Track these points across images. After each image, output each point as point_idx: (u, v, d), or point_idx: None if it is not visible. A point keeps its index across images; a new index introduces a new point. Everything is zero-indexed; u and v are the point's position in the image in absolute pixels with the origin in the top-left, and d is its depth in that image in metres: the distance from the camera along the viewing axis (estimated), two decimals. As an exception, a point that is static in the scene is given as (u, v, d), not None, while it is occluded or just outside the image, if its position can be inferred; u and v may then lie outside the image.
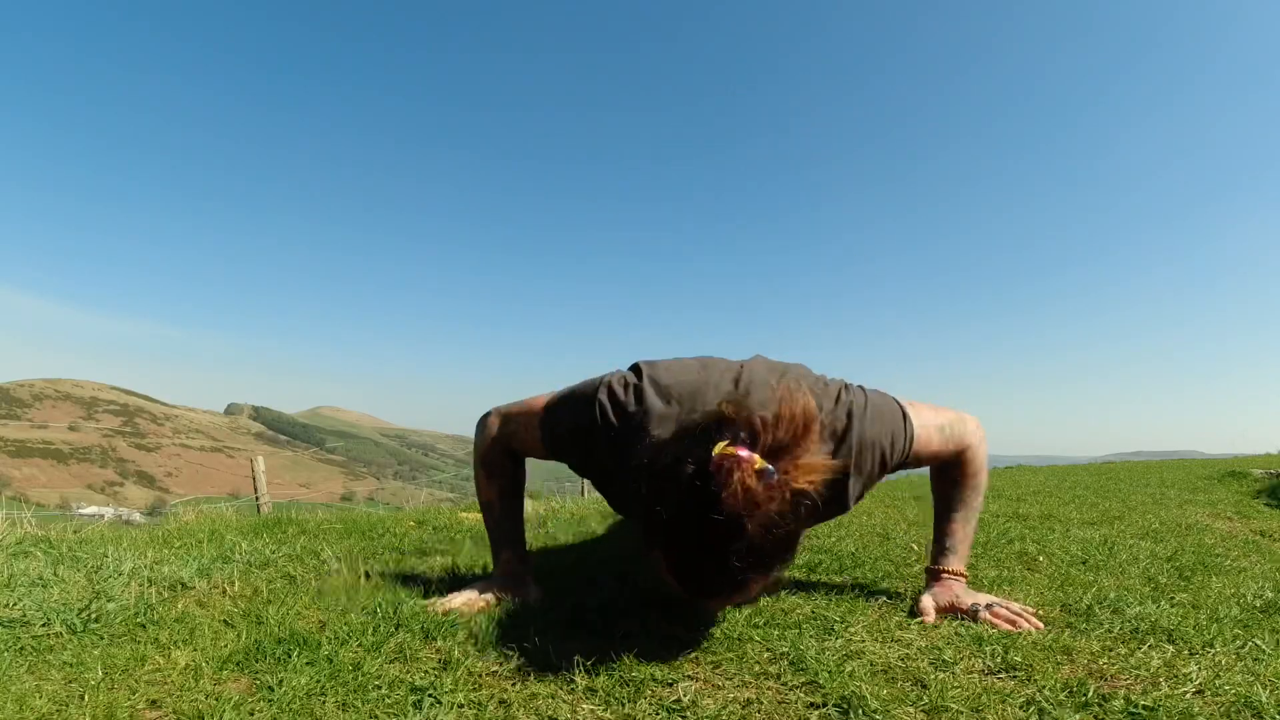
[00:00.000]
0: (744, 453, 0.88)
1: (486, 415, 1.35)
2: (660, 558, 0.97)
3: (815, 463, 0.94)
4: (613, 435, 1.13)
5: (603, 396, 1.15)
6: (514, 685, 0.86)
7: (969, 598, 1.19)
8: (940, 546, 1.29)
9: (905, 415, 1.20)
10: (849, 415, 1.14)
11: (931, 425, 1.23)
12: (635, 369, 1.19)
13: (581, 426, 1.17)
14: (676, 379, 1.14)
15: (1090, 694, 0.80)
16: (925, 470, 1.33)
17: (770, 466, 0.89)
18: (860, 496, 1.19)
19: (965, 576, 1.27)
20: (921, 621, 1.12)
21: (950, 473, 1.29)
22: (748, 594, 0.97)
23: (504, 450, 1.32)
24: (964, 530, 1.28)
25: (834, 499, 1.09)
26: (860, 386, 1.22)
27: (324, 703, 0.81)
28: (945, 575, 1.25)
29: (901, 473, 1.30)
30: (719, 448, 0.89)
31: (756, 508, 0.87)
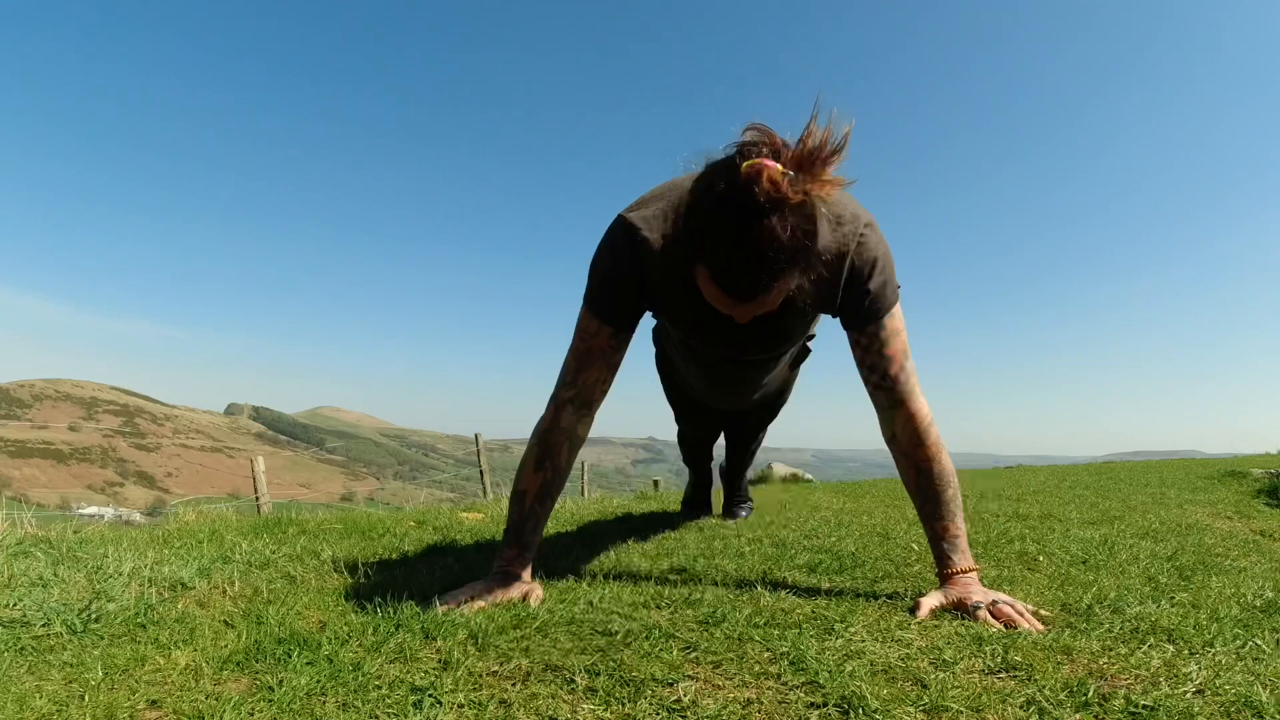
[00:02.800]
0: (769, 163, 1.01)
1: (553, 398, 1.37)
2: (702, 270, 1.09)
3: (833, 178, 1.04)
4: (650, 236, 1.26)
5: (625, 215, 1.30)
6: (514, 685, 0.86)
7: (978, 595, 1.18)
8: (939, 550, 1.28)
9: (896, 302, 1.31)
10: (867, 225, 1.26)
11: (904, 342, 1.31)
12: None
13: (623, 258, 1.29)
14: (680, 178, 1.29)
15: (1090, 694, 0.80)
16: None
17: (792, 174, 1.01)
18: (842, 303, 1.28)
19: (977, 569, 1.27)
20: (921, 622, 1.12)
21: (911, 454, 1.30)
22: (776, 295, 1.10)
23: (574, 419, 1.35)
24: (954, 524, 1.28)
25: (830, 276, 1.21)
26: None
27: (324, 703, 0.81)
28: (957, 575, 1.25)
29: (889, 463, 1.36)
30: (747, 163, 1.01)
31: (783, 200, 1.00)
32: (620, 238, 1.30)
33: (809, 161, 1.02)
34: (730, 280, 1.07)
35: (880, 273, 1.27)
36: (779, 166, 1.00)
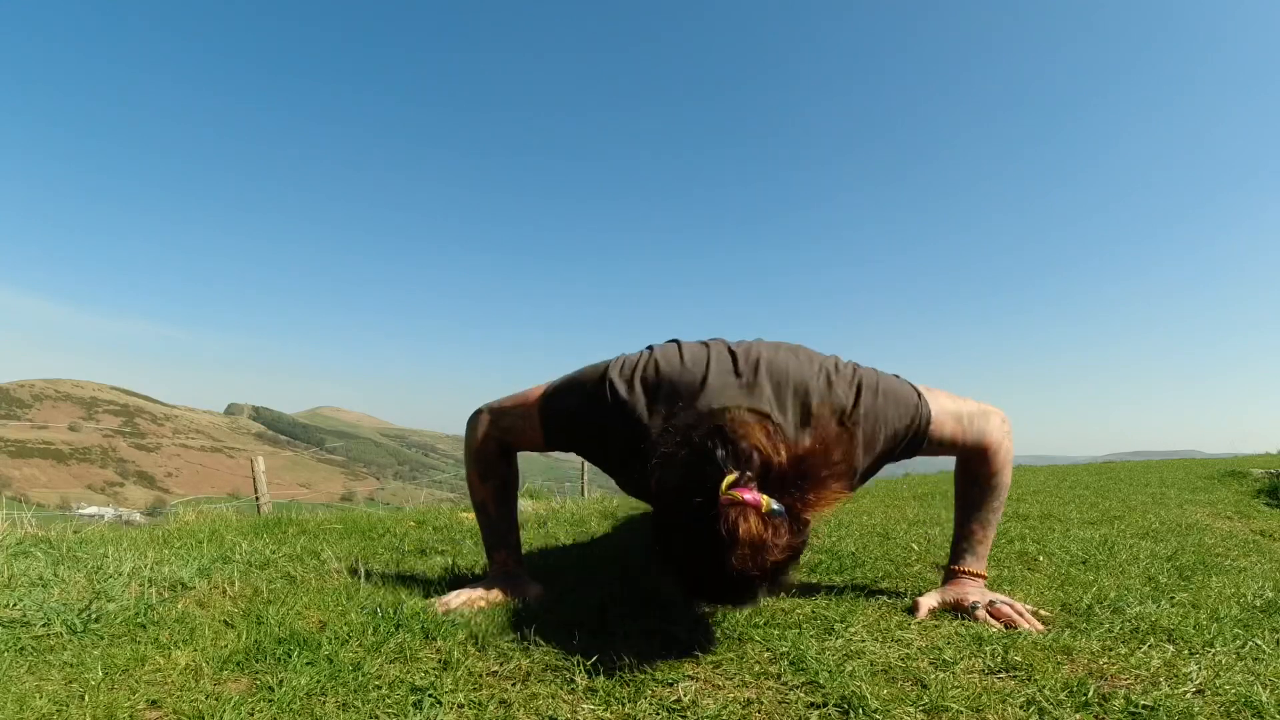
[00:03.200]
0: (749, 496, 0.87)
1: (477, 413, 1.33)
2: (670, 569, 0.98)
3: (827, 496, 0.92)
4: (625, 413, 1.13)
5: (614, 375, 1.16)
6: (514, 685, 0.86)
7: (977, 595, 1.18)
8: (958, 547, 1.28)
9: (920, 396, 1.20)
10: (858, 390, 1.15)
11: (948, 411, 1.22)
12: (648, 349, 1.21)
13: (591, 411, 1.18)
14: (685, 359, 1.15)
15: (1090, 693, 0.80)
16: (930, 468, 1.33)
17: (778, 506, 0.88)
18: (867, 476, 1.20)
19: (984, 577, 1.26)
20: (921, 621, 1.12)
21: (970, 470, 1.27)
22: (755, 602, 1.02)
23: (498, 448, 1.31)
24: (983, 531, 1.27)
25: (872, 467, 1.14)
26: (872, 368, 1.22)
27: (324, 703, 0.81)
28: (962, 575, 1.24)
29: (904, 467, 1.30)
30: (726, 484, 0.88)
31: (764, 553, 0.87)
32: (605, 405, 1.17)
33: (805, 479, 0.91)
34: (698, 594, 1.00)
35: (892, 423, 1.17)
36: (763, 503, 0.87)
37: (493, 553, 1.33)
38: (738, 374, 1.12)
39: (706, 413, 1.04)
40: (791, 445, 0.94)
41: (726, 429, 0.95)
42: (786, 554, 0.89)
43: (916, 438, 1.19)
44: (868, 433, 1.14)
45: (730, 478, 0.89)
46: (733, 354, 1.15)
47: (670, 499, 0.95)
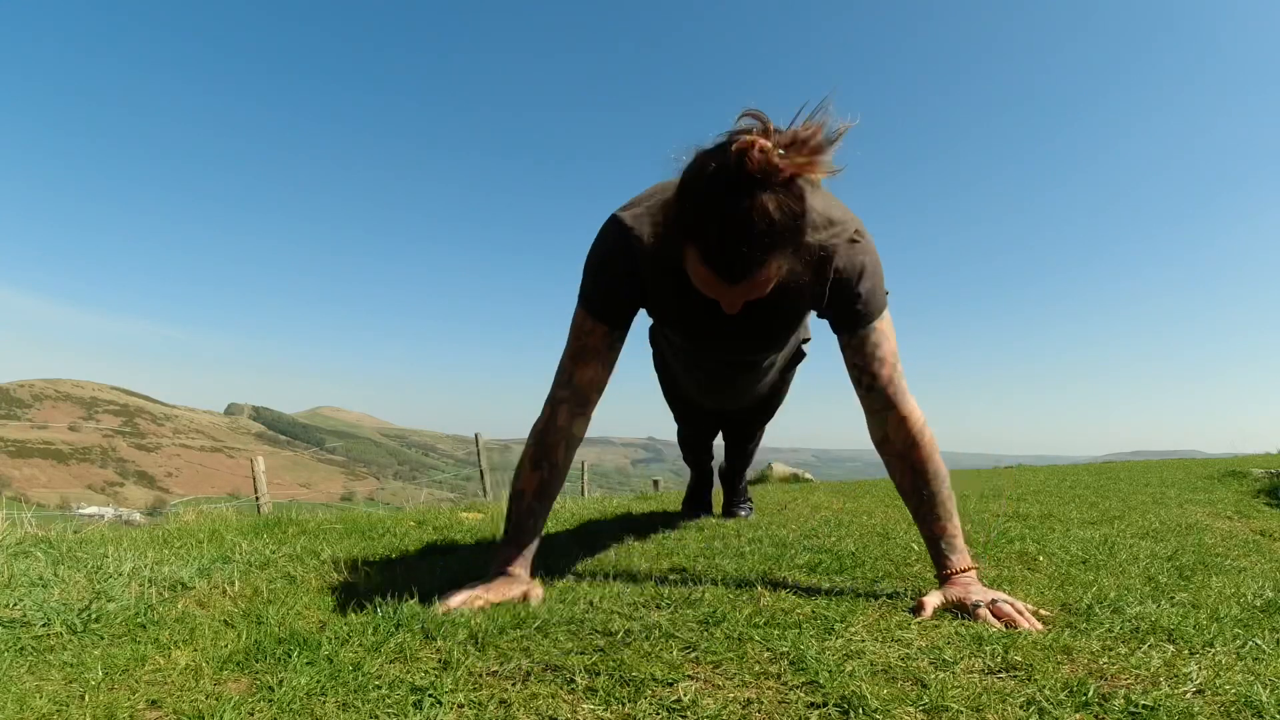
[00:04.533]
0: (760, 139, 1.01)
1: (550, 398, 1.38)
2: (692, 251, 1.09)
3: (823, 162, 1.04)
4: (642, 223, 1.27)
5: (617, 214, 1.31)
6: (514, 685, 0.86)
7: (978, 594, 1.18)
8: (936, 550, 1.28)
9: (887, 300, 1.32)
10: (858, 230, 1.27)
11: (892, 352, 1.31)
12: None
13: (615, 254, 1.30)
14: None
15: (1090, 693, 0.80)
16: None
17: (781, 151, 1.02)
18: (829, 302, 1.29)
19: (975, 567, 1.27)
20: (922, 621, 1.12)
21: (908, 460, 1.30)
22: (766, 276, 1.09)
23: (569, 417, 1.35)
24: (950, 523, 1.28)
25: (817, 274, 1.24)
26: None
27: (324, 703, 0.81)
28: (957, 575, 1.25)
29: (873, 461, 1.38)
30: (737, 141, 1.01)
31: (773, 174, 1.00)
32: (612, 235, 1.31)
33: (800, 143, 1.02)
34: (719, 258, 1.07)
35: (870, 277, 1.28)
36: (769, 142, 1.01)
37: (503, 548, 1.32)
38: None
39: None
40: (787, 130, 1.06)
41: (732, 134, 1.06)
42: (792, 193, 1.03)
43: (863, 302, 1.28)
44: (848, 255, 1.26)
45: (741, 139, 1.02)
46: None
47: (691, 175, 1.08)
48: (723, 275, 1.08)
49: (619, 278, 1.32)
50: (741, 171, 1.00)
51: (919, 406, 1.32)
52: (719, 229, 1.04)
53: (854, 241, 1.26)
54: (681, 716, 0.79)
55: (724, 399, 1.93)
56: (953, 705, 0.78)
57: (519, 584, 1.27)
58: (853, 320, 1.30)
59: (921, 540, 1.40)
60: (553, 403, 1.36)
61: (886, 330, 1.31)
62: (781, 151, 1.01)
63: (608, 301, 1.34)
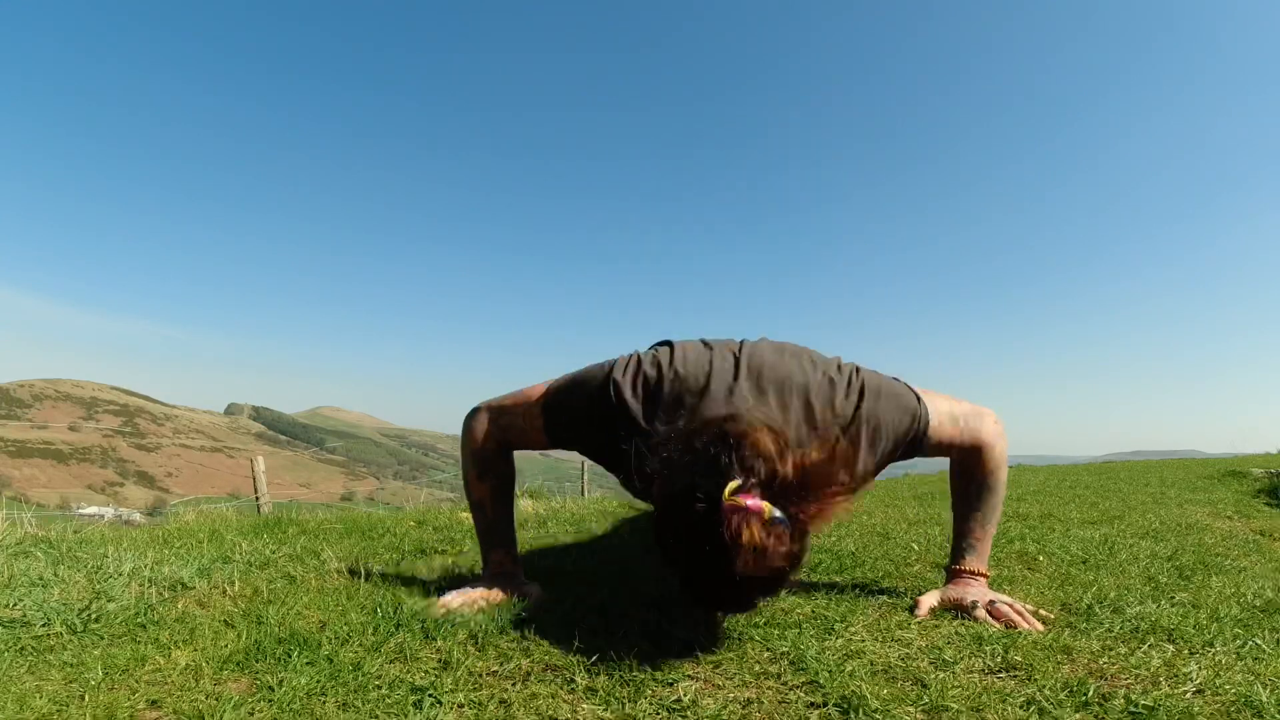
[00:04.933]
0: (752, 502, 0.88)
1: (475, 411, 1.33)
2: (672, 572, 1.00)
3: (830, 509, 0.93)
4: (629, 416, 1.14)
5: (618, 376, 1.16)
6: (514, 685, 0.86)
7: (976, 594, 1.18)
8: (958, 546, 1.28)
9: (919, 398, 1.21)
10: (860, 395, 1.15)
11: (945, 412, 1.23)
12: (652, 349, 1.22)
13: (595, 412, 1.18)
14: (689, 361, 1.16)
15: (1090, 693, 0.80)
16: (930, 468, 1.33)
17: (780, 515, 0.89)
18: (867, 480, 1.20)
19: (986, 576, 1.26)
20: (922, 621, 1.12)
21: (967, 470, 1.28)
22: (754, 608, 1.03)
23: (497, 446, 1.31)
24: (982, 530, 1.27)
25: (858, 471, 1.14)
26: (873, 370, 1.23)
27: (324, 703, 0.81)
28: (964, 574, 1.25)
29: (904, 468, 1.33)
30: (729, 490, 0.89)
31: (766, 559, 0.88)
32: (603, 407, 1.17)
33: (808, 490, 0.91)
34: (699, 600, 1.01)
35: (894, 428, 1.18)
36: (765, 510, 0.88)
37: (489, 552, 1.33)
38: (740, 379, 1.12)
39: (711, 419, 1.04)
40: (798, 456, 0.94)
41: (732, 436, 0.95)
42: (787, 561, 0.90)
43: (915, 440, 1.19)
44: (869, 437, 1.15)
45: (734, 484, 0.89)
46: (736, 357, 1.15)
47: (673, 503, 0.95)
48: (712, 610, 1.06)
49: (592, 441, 1.24)
50: (727, 555, 0.88)
51: (993, 420, 1.26)
52: (701, 583, 0.96)
53: (869, 419, 1.15)
54: (681, 716, 0.79)
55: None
56: (953, 705, 0.78)
57: (517, 583, 1.27)
58: (914, 449, 1.22)
59: (922, 540, 1.39)
60: (476, 421, 1.31)
61: (932, 410, 1.21)
62: (779, 516, 0.89)
63: (564, 433, 1.26)
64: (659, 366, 1.15)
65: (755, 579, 0.90)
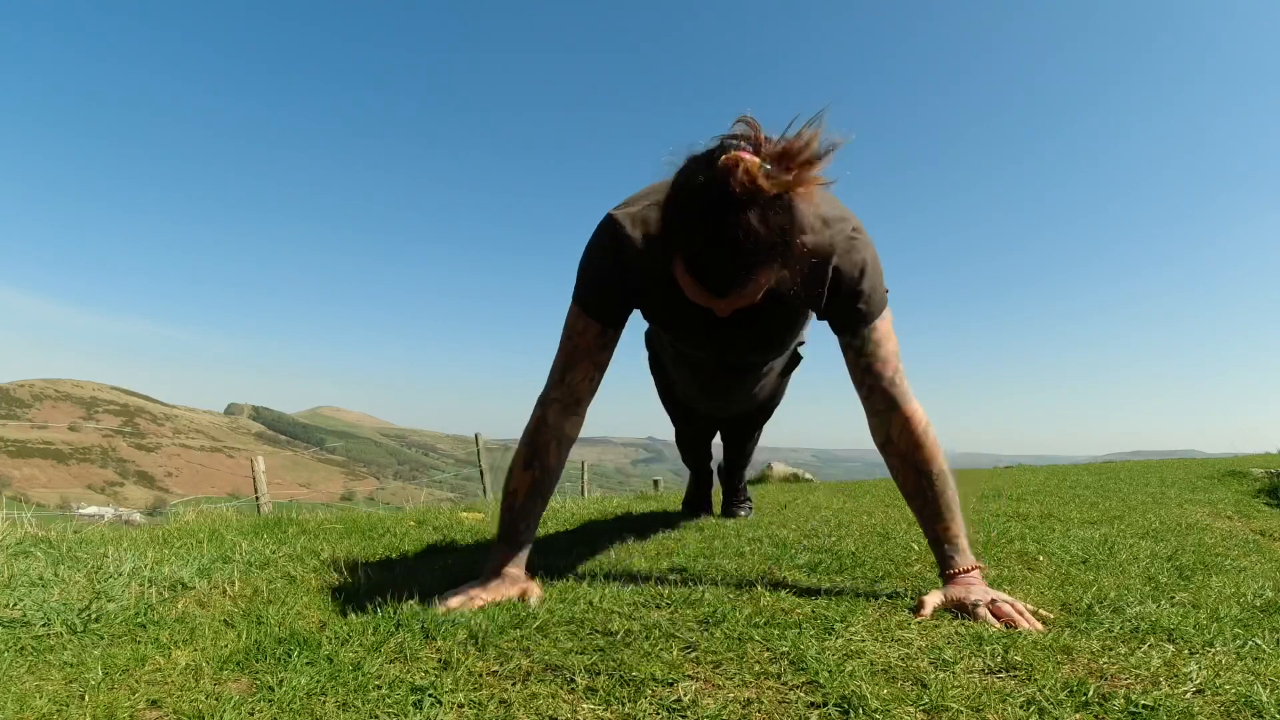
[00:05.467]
0: (747, 155, 1.00)
1: (539, 400, 1.38)
2: (680, 262, 1.09)
3: (813, 177, 1.03)
4: (638, 223, 1.27)
5: (611, 212, 1.31)
6: (514, 685, 0.86)
7: (978, 594, 1.18)
8: (940, 551, 1.28)
9: (887, 298, 1.32)
10: (855, 229, 1.27)
11: (896, 346, 1.31)
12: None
13: (608, 257, 1.29)
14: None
15: (1090, 693, 0.80)
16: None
17: (769, 166, 1.01)
18: (831, 306, 1.28)
19: (980, 568, 1.26)
20: (922, 621, 1.12)
21: (910, 461, 1.29)
22: (753, 288, 1.09)
23: (559, 419, 1.35)
24: (954, 524, 1.28)
25: (814, 277, 1.22)
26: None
27: (324, 703, 0.81)
28: (960, 575, 1.25)
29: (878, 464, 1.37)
30: (725, 156, 1.01)
31: (758, 193, 0.99)
32: (606, 235, 1.30)
33: (789, 157, 1.01)
34: (706, 272, 1.07)
35: (869, 276, 1.27)
36: (756, 159, 1.00)
37: (498, 548, 1.32)
38: None
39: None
40: (779, 138, 1.04)
41: (724, 138, 1.06)
42: (776, 190, 1.00)
43: (864, 300, 1.27)
44: (847, 252, 1.25)
45: (729, 154, 1.01)
46: None
47: (678, 186, 1.07)
48: (709, 287, 1.09)
49: (613, 276, 1.31)
50: (727, 188, 0.99)
51: (922, 407, 1.31)
52: (704, 244, 1.04)
53: (851, 240, 1.25)
54: (681, 716, 0.79)
55: (720, 403, 1.94)
56: (953, 705, 0.78)
57: (517, 583, 1.27)
58: (853, 320, 1.29)
59: (922, 540, 1.40)
60: (543, 403, 1.36)
61: (887, 330, 1.30)
62: (768, 167, 1.00)
63: (601, 300, 1.33)
64: (653, 185, 1.29)
65: (749, 221, 1.00)
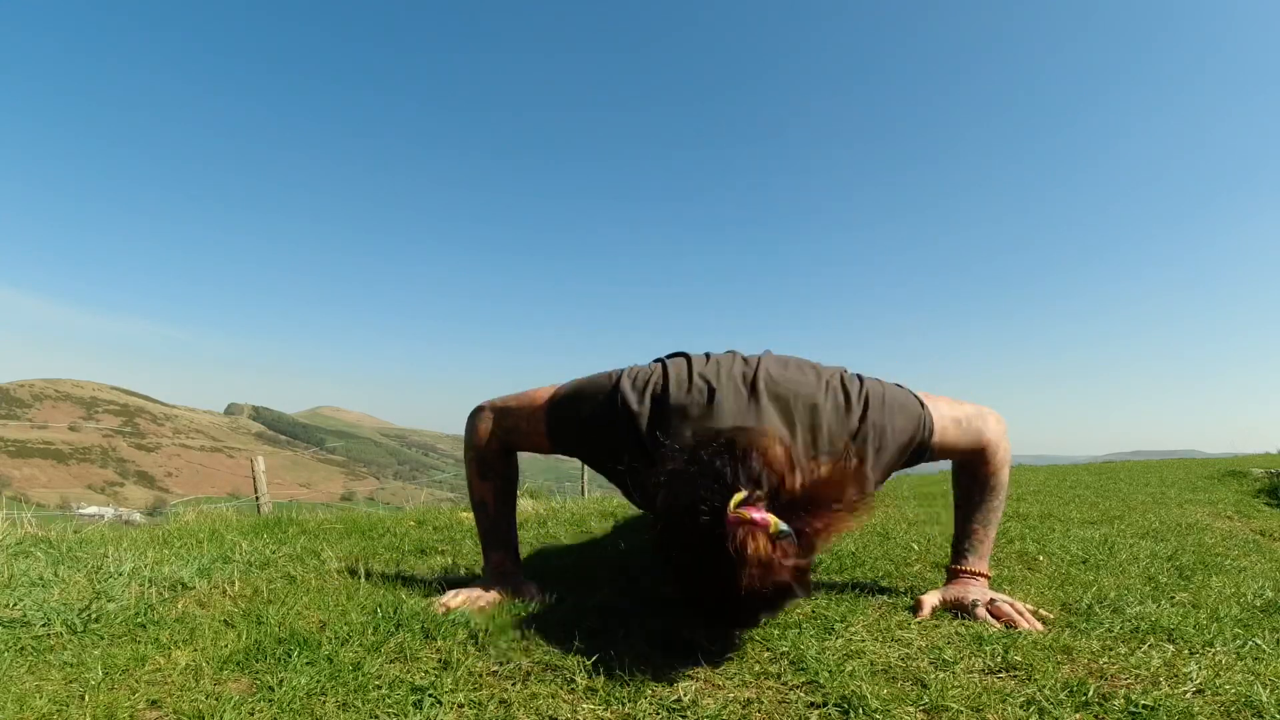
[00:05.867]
0: (758, 515, 0.86)
1: (478, 410, 1.33)
2: (675, 585, 1.01)
3: (836, 525, 0.91)
4: (635, 426, 1.13)
5: (625, 386, 1.16)
6: (514, 685, 0.86)
7: (977, 593, 1.18)
8: (959, 546, 1.28)
9: (923, 404, 1.21)
10: (865, 405, 1.15)
11: (949, 417, 1.23)
12: (658, 362, 1.22)
13: (601, 420, 1.18)
14: (694, 374, 1.15)
15: (1090, 693, 0.80)
16: (930, 468, 1.33)
17: (787, 528, 0.87)
18: (877, 485, 1.20)
19: (987, 576, 1.26)
20: (922, 621, 1.12)
21: (970, 470, 1.28)
22: (757, 624, 1.02)
23: (500, 446, 1.31)
24: (984, 530, 1.28)
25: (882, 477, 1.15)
26: (876, 379, 1.23)
27: (324, 703, 0.81)
28: (964, 574, 1.25)
29: (906, 471, 1.32)
30: (734, 502, 0.87)
31: (772, 573, 0.86)
32: (605, 415, 1.18)
33: (816, 505, 0.90)
34: (700, 614, 1.02)
35: (899, 436, 1.17)
36: (771, 523, 0.86)
37: (489, 552, 1.33)
38: (748, 391, 1.12)
39: (719, 430, 1.04)
40: (806, 470, 0.93)
41: (739, 447, 0.95)
42: (793, 576, 0.88)
43: (921, 447, 1.20)
44: (875, 447, 1.15)
45: (739, 496, 0.88)
46: (744, 371, 1.15)
47: (677, 516, 0.93)
48: (715, 625, 1.02)
49: (595, 449, 1.24)
50: (732, 566, 0.86)
51: (993, 423, 1.25)
52: (704, 599, 0.97)
53: (864, 418, 1.14)
54: (681, 716, 0.79)
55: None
56: (953, 705, 0.78)
57: (517, 584, 1.27)
58: (919, 456, 1.22)
59: (922, 540, 1.39)
60: (479, 421, 1.31)
61: (935, 415, 1.21)
62: (785, 529, 0.87)
63: (567, 439, 1.26)
64: (666, 378, 1.15)
65: (760, 594, 0.88)
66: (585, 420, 1.21)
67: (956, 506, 1.31)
